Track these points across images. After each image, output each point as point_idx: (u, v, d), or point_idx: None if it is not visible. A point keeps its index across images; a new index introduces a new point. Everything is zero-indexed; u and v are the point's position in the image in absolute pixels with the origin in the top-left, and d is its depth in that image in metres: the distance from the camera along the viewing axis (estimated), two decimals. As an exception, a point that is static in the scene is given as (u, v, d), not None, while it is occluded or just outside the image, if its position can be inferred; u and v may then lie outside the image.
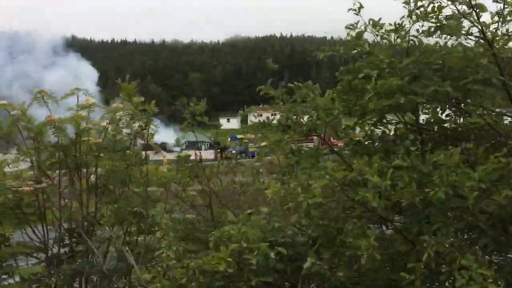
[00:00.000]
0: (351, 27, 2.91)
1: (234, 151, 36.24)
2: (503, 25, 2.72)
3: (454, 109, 3.01)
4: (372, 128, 3.10)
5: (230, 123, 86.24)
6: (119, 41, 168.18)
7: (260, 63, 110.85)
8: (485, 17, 2.73)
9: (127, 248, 4.14)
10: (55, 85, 57.23)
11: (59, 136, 4.90)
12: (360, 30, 2.91)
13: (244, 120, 69.06)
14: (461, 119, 3.05)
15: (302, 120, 3.14)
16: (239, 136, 42.79)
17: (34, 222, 4.95)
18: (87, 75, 73.08)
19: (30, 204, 4.83)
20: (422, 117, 3.11)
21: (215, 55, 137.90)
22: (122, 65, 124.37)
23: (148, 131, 5.08)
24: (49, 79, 66.44)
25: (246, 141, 22.11)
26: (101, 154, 5.10)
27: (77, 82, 66.39)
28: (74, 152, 4.94)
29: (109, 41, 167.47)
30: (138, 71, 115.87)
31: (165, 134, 64.15)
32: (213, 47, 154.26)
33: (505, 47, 2.79)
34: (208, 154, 40.59)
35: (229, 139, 48.45)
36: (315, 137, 10.01)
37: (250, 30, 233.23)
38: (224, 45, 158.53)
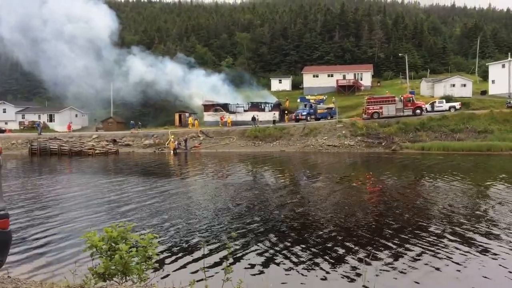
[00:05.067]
0: None
1: (304, 113, 53.94)
2: None
3: None
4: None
5: (282, 84, 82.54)
6: (145, 0, 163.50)
7: (308, 22, 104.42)
8: None
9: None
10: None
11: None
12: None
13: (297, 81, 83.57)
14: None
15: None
16: (308, 98, 59.25)
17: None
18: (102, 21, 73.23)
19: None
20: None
21: (259, 15, 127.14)
22: (159, 24, 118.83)
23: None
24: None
25: (315, 102, 52.45)
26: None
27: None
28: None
29: (135, 0, 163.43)
30: (180, 31, 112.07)
31: (223, 95, 66.24)
32: (253, 6, 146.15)
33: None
34: (268, 116, 54.26)
35: (298, 100, 61.12)
36: (396, 98, 43.41)
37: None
38: (260, 4, 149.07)
